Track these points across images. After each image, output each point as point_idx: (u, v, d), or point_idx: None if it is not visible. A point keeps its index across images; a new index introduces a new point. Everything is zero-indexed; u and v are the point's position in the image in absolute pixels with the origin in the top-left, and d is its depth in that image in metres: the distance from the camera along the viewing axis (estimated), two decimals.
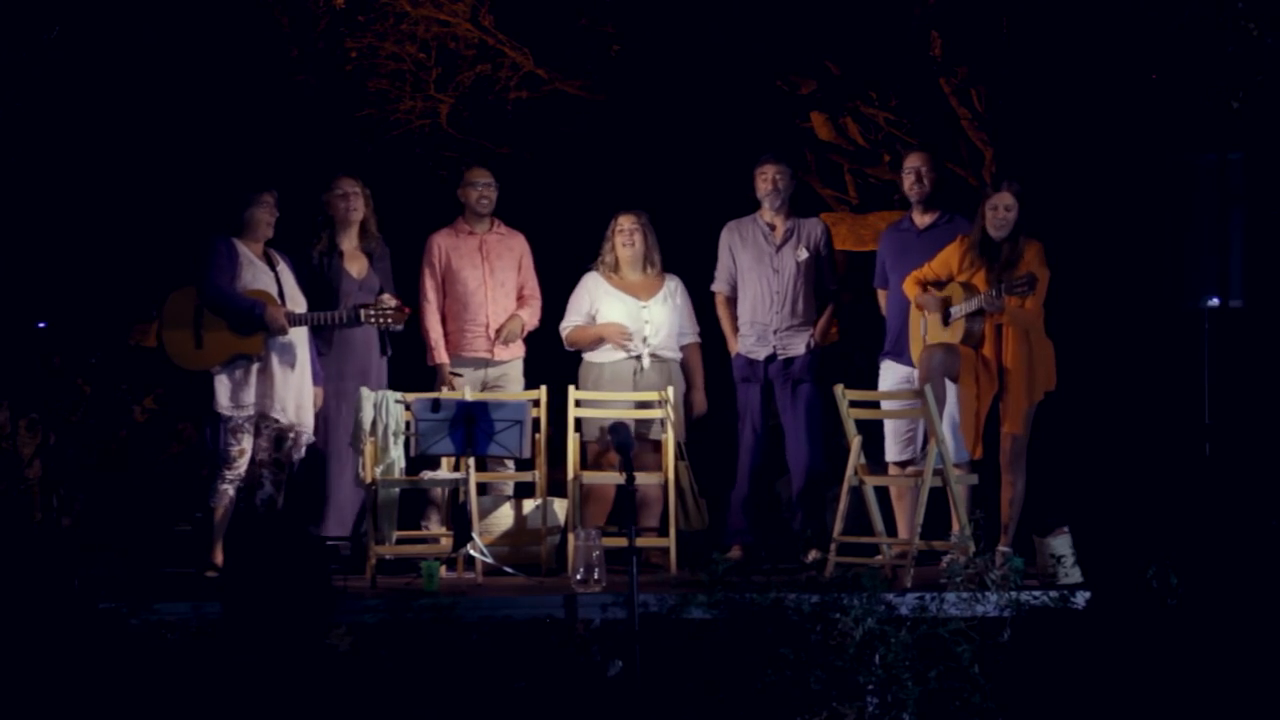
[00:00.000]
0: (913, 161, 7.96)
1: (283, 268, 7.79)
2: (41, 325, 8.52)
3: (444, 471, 7.97)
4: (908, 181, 7.94)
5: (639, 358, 8.26)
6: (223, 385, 7.59)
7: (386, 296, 7.96)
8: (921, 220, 7.95)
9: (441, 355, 8.28)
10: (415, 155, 9.56)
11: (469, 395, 7.83)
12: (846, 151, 9.62)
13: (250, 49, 9.42)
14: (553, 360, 8.41)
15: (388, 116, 9.67)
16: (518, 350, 8.40)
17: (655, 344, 8.27)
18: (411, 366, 8.27)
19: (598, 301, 8.32)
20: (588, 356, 8.34)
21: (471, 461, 7.55)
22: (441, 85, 9.69)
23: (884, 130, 9.46)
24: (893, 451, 7.94)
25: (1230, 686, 6.48)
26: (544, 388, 8.03)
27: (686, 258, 8.51)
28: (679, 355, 8.36)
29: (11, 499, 8.36)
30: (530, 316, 8.38)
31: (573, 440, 7.88)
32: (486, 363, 8.31)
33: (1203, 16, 7.83)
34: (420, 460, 7.83)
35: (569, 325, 8.36)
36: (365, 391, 7.74)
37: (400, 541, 7.85)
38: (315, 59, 9.59)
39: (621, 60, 9.59)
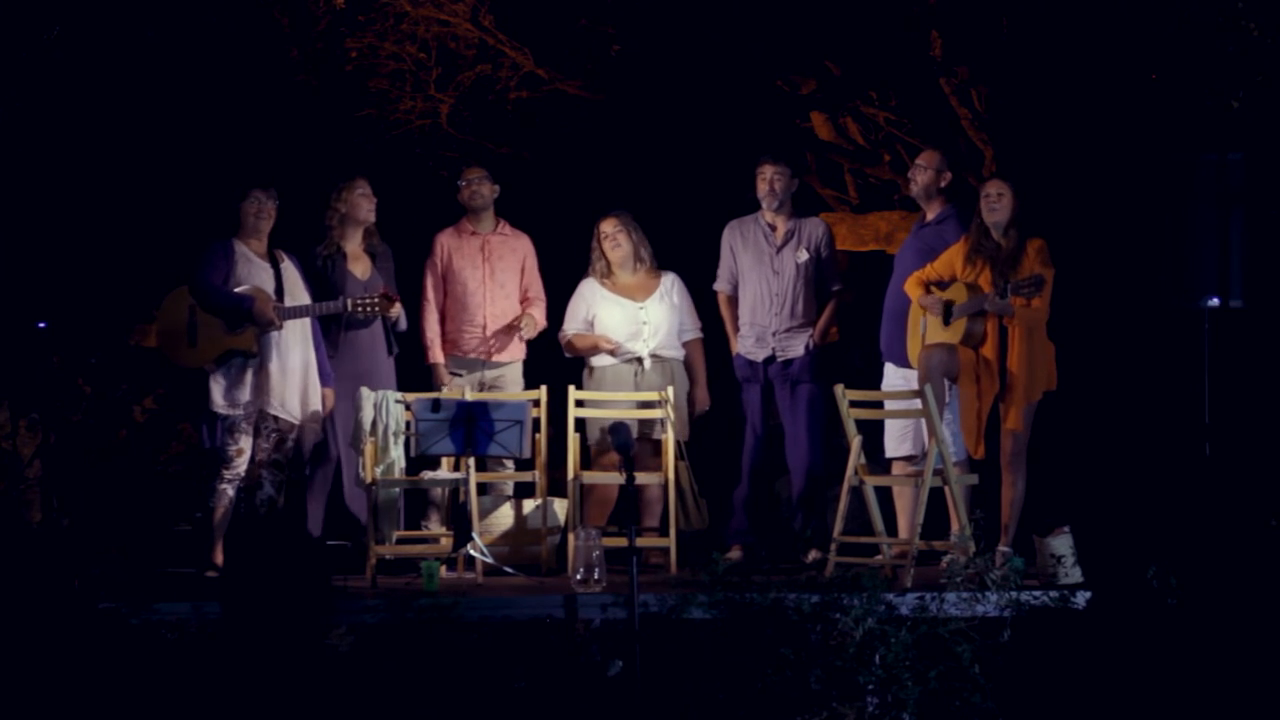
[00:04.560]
0: (920, 159, 7.97)
1: (287, 265, 7.80)
2: (41, 325, 8.50)
3: (444, 471, 7.97)
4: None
5: (640, 360, 8.25)
6: (217, 384, 7.61)
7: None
8: (927, 216, 7.95)
9: (436, 355, 8.28)
10: (415, 155, 9.55)
11: (469, 395, 7.84)
12: (846, 151, 9.62)
13: (250, 49, 9.41)
14: (553, 363, 8.41)
15: (388, 116, 9.66)
16: (517, 353, 8.38)
17: (655, 345, 8.26)
18: (416, 365, 8.28)
19: (594, 308, 8.32)
20: (590, 361, 8.34)
21: (472, 461, 7.56)
22: (441, 85, 9.68)
23: (884, 130, 9.46)
24: (891, 447, 7.94)
25: (1230, 686, 6.48)
26: (544, 388, 8.03)
27: (687, 258, 8.50)
28: (681, 353, 8.36)
29: (11, 499, 8.36)
30: (540, 315, 8.36)
31: (573, 440, 7.88)
32: (483, 364, 8.31)
33: (1203, 16, 7.83)
34: (420, 460, 7.85)
35: (567, 333, 8.36)
36: (365, 391, 7.75)
37: (400, 541, 7.85)
38: (315, 59, 9.58)
39: (621, 60, 9.59)
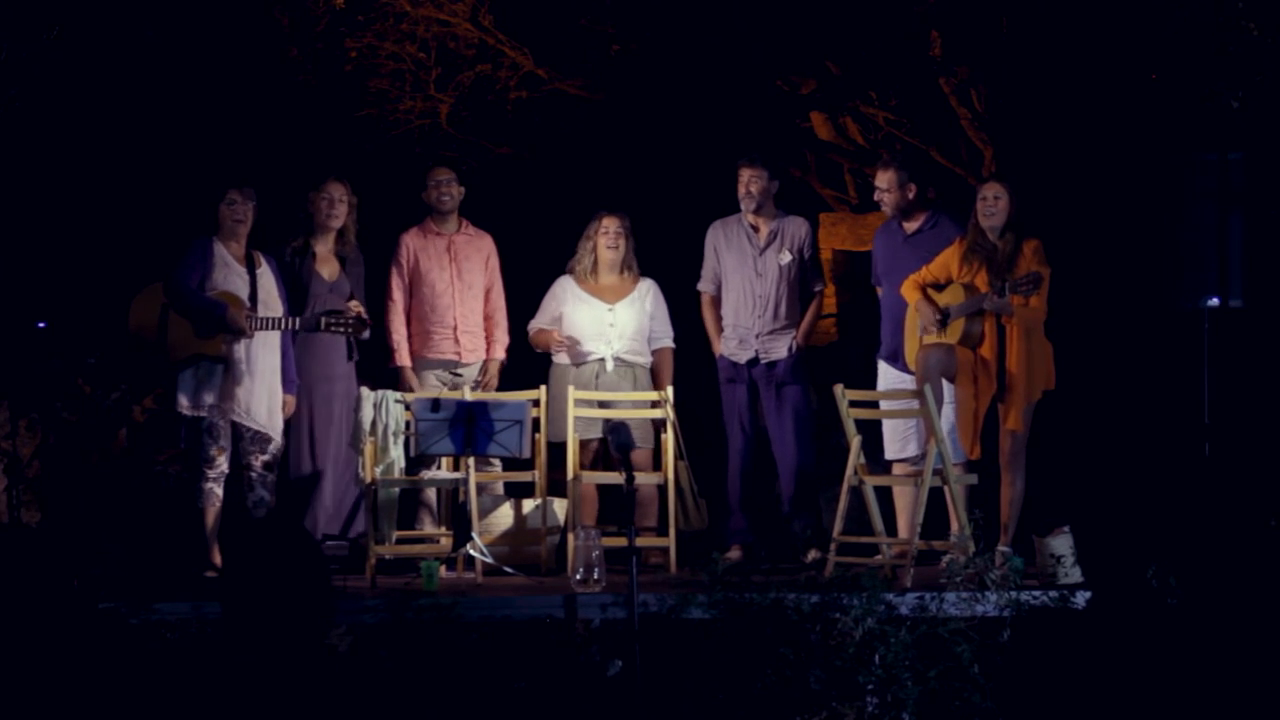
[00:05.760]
0: (877, 181, 7.92)
1: (264, 270, 7.76)
2: (41, 325, 8.51)
3: (444, 471, 7.97)
4: (876, 194, 7.94)
5: (602, 361, 8.23)
6: (183, 385, 7.60)
7: (353, 304, 7.92)
8: (909, 225, 7.93)
9: (404, 358, 8.25)
10: (415, 155, 9.55)
11: (469, 395, 7.83)
12: (846, 151, 9.62)
13: (250, 49, 9.41)
14: (536, 361, 8.40)
15: (388, 116, 9.66)
16: (483, 353, 8.36)
17: (619, 348, 8.23)
18: (379, 367, 8.24)
19: (565, 305, 8.31)
20: (555, 358, 8.33)
21: (471, 461, 7.56)
22: (441, 85, 9.68)
23: (884, 130, 9.46)
24: (891, 450, 7.94)
25: (1230, 686, 6.48)
26: (544, 388, 8.03)
27: (687, 258, 8.49)
28: (648, 359, 8.32)
29: (11, 499, 8.36)
30: (502, 350, 8.36)
31: (573, 440, 7.88)
32: (454, 364, 8.29)
33: (1203, 16, 7.83)
34: (419, 460, 7.85)
35: (533, 327, 8.35)
36: (365, 391, 7.75)
37: (400, 541, 7.85)
38: (315, 59, 9.58)
39: (621, 60, 9.59)
